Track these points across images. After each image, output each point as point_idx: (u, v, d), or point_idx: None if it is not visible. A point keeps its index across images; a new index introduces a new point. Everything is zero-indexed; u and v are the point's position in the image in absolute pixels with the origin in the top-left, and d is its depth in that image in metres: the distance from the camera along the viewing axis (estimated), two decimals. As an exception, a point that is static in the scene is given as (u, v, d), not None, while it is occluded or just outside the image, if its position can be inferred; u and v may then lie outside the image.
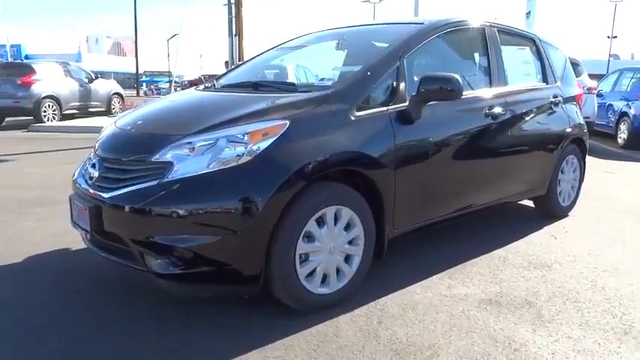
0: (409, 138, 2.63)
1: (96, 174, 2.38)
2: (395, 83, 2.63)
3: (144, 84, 42.30)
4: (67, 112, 12.14)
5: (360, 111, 2.47)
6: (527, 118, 3.49)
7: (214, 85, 3.30)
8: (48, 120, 11.45)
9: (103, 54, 62.37)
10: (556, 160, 3.87)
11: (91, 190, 2.36)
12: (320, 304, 2.38)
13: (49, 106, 11.51)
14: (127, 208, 2.15)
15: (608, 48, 42.31)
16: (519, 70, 3.61)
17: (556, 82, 3.95)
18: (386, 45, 2.80)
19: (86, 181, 2.46)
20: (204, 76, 42.50)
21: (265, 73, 3.49)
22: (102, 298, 2.55)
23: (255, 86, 2.90)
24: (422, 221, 2.86)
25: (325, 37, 3.61)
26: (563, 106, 3.93)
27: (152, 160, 2.21)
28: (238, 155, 2.13)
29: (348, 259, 2.47)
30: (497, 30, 3.43)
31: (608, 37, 41.83)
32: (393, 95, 2.62)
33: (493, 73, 3.30)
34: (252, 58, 3.68)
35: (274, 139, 2.18)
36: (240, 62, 3.72)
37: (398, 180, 2.57)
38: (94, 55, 51.68)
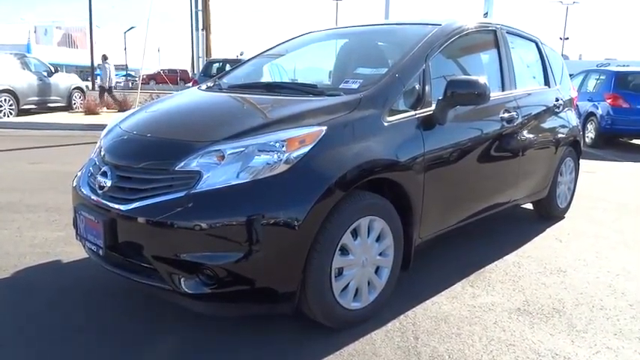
0: (436, 143, 2.54)
1: (108, 183, 2.15)
2: (421, 87, 2.54)
3: (98, 77, 40.67)
4: (24, 107, 11.43)
5: (391, 116, 2.36)
6: (535, 121, 3.49)
7: (219, 86, 3.10)
8: (4, 116, 10.74)
9: (53, 45, 59.43)
10: (557, 163, 3.90)
11: (103, 201, 2.13)
12: (353, 320, 2.25)
13: (5, 100, 10.79)
14: (150, 222, 1.95)
15: (560, 49, 44.01)
16: (525, 72, 3.59)
17: (556, 85, 3.97)
18: (406, 46, 2.69)
19: (94, 191, 2.23)
20: (163, 70, 41.27)
21: (272, 74, 3.31)
22: (119, 318, 2.33)
23: (270, 87, 2.73)
24: (445, 227, 2.79)
25: (332, 36, 3.47)
26: (564, 108, 3.95)
27: (176, 169, 2.02)
28: (274, 164, 1.97)
29: (377, 270, 2.36)
30: (507, 32, 3.40)
31: (561, 38, 43.55)
32: (420, 99, 2.52)
33: (505, 75, 3.26)
34: (255, 56, 3.49)
35: (311, 146, 2.03)
36: (243, 61, 3.51)
37: (426, 186, 2.48)
38: (43, 47, 49.08)
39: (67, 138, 8.84)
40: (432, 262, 3.07)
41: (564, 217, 4.25)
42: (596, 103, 9.54)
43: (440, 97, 2.57)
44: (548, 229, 3.92)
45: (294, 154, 1.99)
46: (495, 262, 3.17)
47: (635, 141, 10.08)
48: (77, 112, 12.58)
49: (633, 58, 29.97)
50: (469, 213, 2.99)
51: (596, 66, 15.22)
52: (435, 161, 2.53)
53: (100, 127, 10.20)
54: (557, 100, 3.84)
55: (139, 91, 12.05)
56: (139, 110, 2.80)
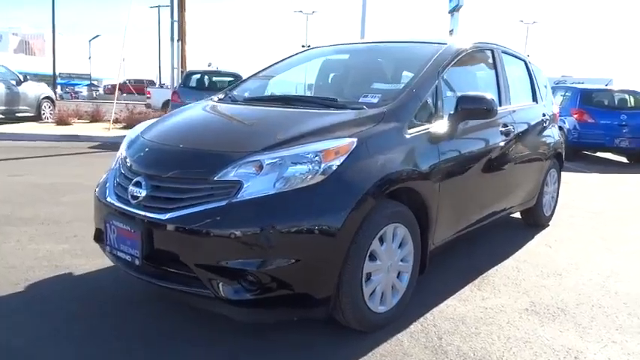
0: (449, 154, 2.70)
1: (142, 193, 2.19)
2: (434, 101, 2.70)
3: (59, 86, 39.41)
4: (-9, 117, 11.05)
5: (411, 129, 2.50)
6: (527, 135, 3.71)
7: (232, 98, 3.17)
8: (-29, 126, 10.35)
9: (9, 52, 57.35)
10: (544, 174, 4.14)
11: (139, 211, 2.17)
12: (380, 324, 2.36)
13: (-30, 110, 10.42)
14: (193, 230, 2.01)
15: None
16: (516, 89, 3.82)
17: (543, 101, 4.23)
18: (418, 63, 2.84)
19: (126, 201, 2.26)
20: (129, 80, 40.40)
21: (282, 87, 3.41)
22: (146, 327, 2.35)
23: (289, 100, 2.83)
24: (454, 234, 2.94)
25: (338, 52, 3.60)
26: (549, 123, 4.22)
27: (215, 179, 2.09)
28: (312, 174, 2.07)
29: (399, 275, 2.48)
30: (502, 51, 3.62)
31: (519, 55, 45.27)
32: (434, 113, 2.68)
33: (501, 91, 3.47)
34: (261, 70, 3.58)
35: (345, 157, 2.14)
36: (250, 75, 3.60)
37: (441, 195, 2.63)
38: (-2, 53, 47.31)
39: (42, 149, 8.61)
40: (434, 269, 3.20)
41: (549, 225, 4.50)
42: (563, 118, 10.04)
43: (451, 112, 2.75)
44: (536, 236, 4.15)
45: (330, 165, 2.09)
46: (495, 267, 3.35)
47: (599, 153, 10.64)
48: (47, 122, 12.25)
49: (587, 76, 31.53)
50: (474, 219, 3.16)
51: (554, 83, 15.99)
52: (448, 171, 2.68)
53: (74, 137, 10.05)
54: (544, 115, 4.10)
55: (115, 101, 11.86)
56: (158, 122, 2.84)
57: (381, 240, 2.29)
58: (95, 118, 13.43)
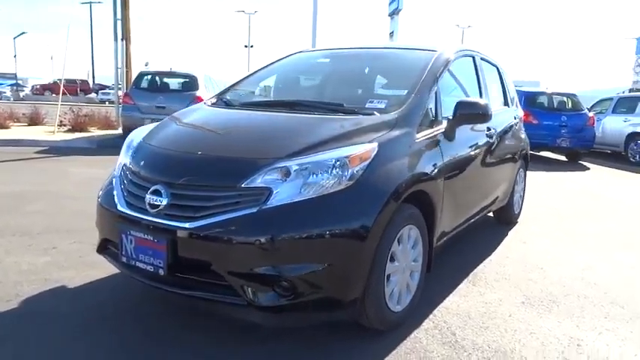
0: (450, 156, 2.82)
1: (163, 201, 2.14)
2: (435, 106, 2.81)
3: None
4: None
5: (418, 133, 2.59)
6: (504, 137, 3.93)
7: (226, 103, 3.14)
8: None
9: None
10: (515, 173, 4.40)
11: (161, 220, 2.12)
12: (397, 322, 2.44)
13: None
14: (226, 238, 1.99)
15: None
16: (493, 93, 4.04)
17: (513, 105, 4.49)
18: (416, 69, 2.95)
19: (143, 210, 2.20)
20: (60, 80, 38.14)
21: (276, 91, 3.41)
22: (156, 339, 2.29)
23: (293, 105, 2.84)
24: (448, 233, 3.06)
25: (328, 56, 3.64)
26: (519, 126, 4.48)
27: (242, 185, 2.08)
28: (340, 180, 2.10)
29: (410, 275, 2.57)
30: (480, 57, 3.82)
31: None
32: (435, 118, 2.79)
33: (483, 95, 3.66)
34: (251, 74, 3.56)
35: (368, 162, 2.20)
36: (241, 78, 3.57)
37: (445, 196, 2.75)
38: None
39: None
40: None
41: (517, 222, 4.77)
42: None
43: (449, 116, 2.88)
44: (510, 233, 4.40)
45: (356, 170, 2.14)
46: (483, 264, 3.52)
47: (542, 153, 11.32)
48: (-20, 126, 11.40)
49: (516, 79, 33.40)
50: (465, 218, 3.31)
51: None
52: (449, 172, 2.80)
53: (17, 142, 9.43)
54: (515, 118, 4.36)
55: (60, 103, 11.25)
56: (159, 128, 2.76)
57: (399, 241, 2.37)
58: (34, 121, 12.68)
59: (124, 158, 2.61)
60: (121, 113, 10.32)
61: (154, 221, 2.14)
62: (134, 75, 14.80)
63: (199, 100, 9.89)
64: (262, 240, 1.98)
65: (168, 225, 2.09)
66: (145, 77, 10.38)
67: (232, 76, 11.82)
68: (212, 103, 3.21)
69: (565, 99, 11.18)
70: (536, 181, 7.83)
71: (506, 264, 3.55)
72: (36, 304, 2.61)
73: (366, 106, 2.70)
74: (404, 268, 2.44)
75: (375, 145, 2.27)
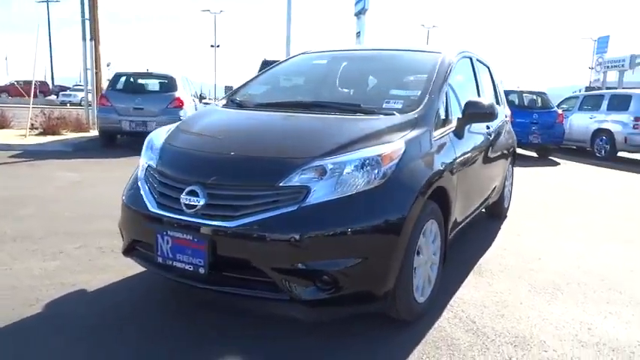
0: (460, 153, 2.96)
1: (200, 201, 2.18)
2: (446, 106, 2.94)
3: None
4: None
5: (435, 131, 2.71)
6: (499, 134, 4.11)
7: (240, 104, 3.19)
8: None
9: None
10: (506, 168, 4.60)
11: (199, 220, 2.16)
12: (420, 313, 2.55)
13: None
14: (269, 235, 2.06)
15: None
16: (486, 92, 4.21)
17: (502, 104, 4.69)
18: (426, 71, 3.08)
19: (178, 210, 2.23)
20: (18, 82, 36.68)
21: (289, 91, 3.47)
22: (196, 338, 2.33)
23: (308, 106, 2.92)
24: (457, 227, 3.20)
25: (337, 58, 3.72)
26: (508, 124, 4.68)
27: (280, 184, 2.14)
28: (373, 177, 2.19)
29: (431, 267, 2.68)
30: (476, 59, 3.98)
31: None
32: (446, 117, 2.92)
33: (480, 94, 3.82)
34: (260, 74, 3.61)
35: (397, 160, 2.29)
36: (250, 79, 3.61)
37: (458, 191, 2.88)
38: None
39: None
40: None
41: (507, 216, 4.98)
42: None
43: (458, 115, 3.01)
44: (502, 227, 4.60)
45: (388, 168, 2.24)
46: (484, 256, 3.69)
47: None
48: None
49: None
50: (471, 211, 3.47)
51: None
52: (460, 168, 2.94)
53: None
54: (505, 116, 4.55)
55: (31, 106, 10.91)
56: (181, 129, 2.78)
57: (423, 235, 2.48)
58: (1, 124, 12.23)
59: (147, 160, 2.63)
60: (97, 115, 10.09)
61: (192, 221, 2.18)
62: (104, 76, 14.58)
63: (179, 101, 9.81)
64: (304, 236, 2.05)
65: (209, 224, 2.14)
66: (121, 78, 10.19)
67: (198, 76, 11.72)
68: (223, 105, 3.25)
69: (535, 97, 11.63)
70: (515, 176, 8.13)
71: (506, 256, 3.72)
72: (59, 308, 2.60)
73: (384, 106, 2.80)
74: (426, 260, 2.55)
75: (402, 144, 2.37)
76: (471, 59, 3.84)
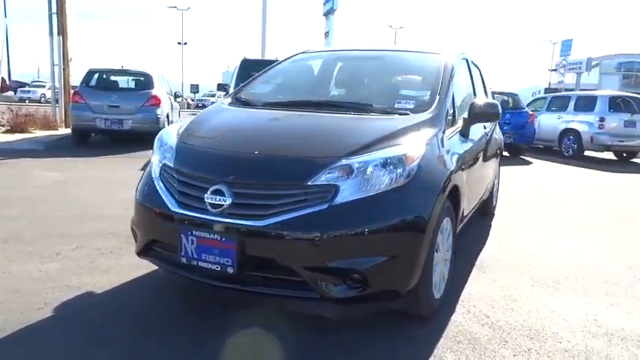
0: (466, 152, 3.04)
1: (227, 201, 2.16)
2: (452, 106, 3.01)
3: None
4: None
5: (446, 131, 2.77)
6: (492, 134, 4.23)
7: (247, 102, 3.17)
8: None
9: None
10: (496, 168, 4.73)
11: (227, 220, 2.14)
12: (437, 309, 2.60)
13: None
14: (299, 234, 2.06)
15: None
16: (479, 92, 4.32)
17: (492, 104, 4.81)
18: (432, 72, 3.14)
19: (203, 210, 2.20)
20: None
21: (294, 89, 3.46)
22: (217, 334, 2.30)
23: (320, 105, 2.93)
24: (462, 222, 3.27)
25: (343, 58, 3.74)
26: (497, 124, 4.81)
27: (308, 183, 2.15)
28: (399, 176, 2.22)
29: (444, 264, 2.74)
30: (470, 60, 4.08)
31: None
32: (453, 117, 2.99)
33: (476, 94, 3.92)
34: (264, 72, 3.58)
35: (420, 160, 2.33)
36: (253, 77, 3.59)
37: (466, 188, 2.95)
38: None
39: None
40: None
41: (495, 214, 5.13)
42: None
43: (464, 115, 3.09)
44: (492, 224, 4.73)
45: (413, 167, 2.28)
46: (482, 253, 3.79)
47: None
48: None
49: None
50: (472, 208, 3.55)
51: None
52: (467, 167, 3.01)
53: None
54: (496, 116, 4.68)
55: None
56: (195, 127, 2.75)
57: (441, 232, 2.53)
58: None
59: (161, 159, 2.58)
60: (70, 113, 9.76)
61: (219, 221, 2.15)
62: (72, 72, 14.12)
63: (156, 99, 9.61)
64: (336, 235, 2.07)
65: (237, 224, 2.12)
66: (95, 75, 9.89)
67: (165, 74, 11.45)
68: (229, 103, 3.22)
69: (507, 98, 11.97)
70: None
71: (502, 252, 3.84)
72: (69, 311, 2.52)
73: (395, 106, 2.84)
74: (442, 257, 2.61)
75: (423, 144, 2.41)
76: (467, 60, 3.93)
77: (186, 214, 2.24)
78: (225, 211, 2.16)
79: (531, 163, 10.58)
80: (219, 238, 2.14)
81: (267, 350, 2.22)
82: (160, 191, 2.41)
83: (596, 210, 5.74)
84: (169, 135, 2.73)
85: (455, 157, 2.78)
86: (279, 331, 2.35)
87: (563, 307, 2.82)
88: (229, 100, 3.30)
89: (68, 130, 11.91)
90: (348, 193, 2.14)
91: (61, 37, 13.59)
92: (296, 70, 3.63)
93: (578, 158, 11.36)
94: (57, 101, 13.34)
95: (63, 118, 13.23)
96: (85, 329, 2.34)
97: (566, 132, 11.94)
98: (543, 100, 13.52)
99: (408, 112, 2.73)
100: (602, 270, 3.51)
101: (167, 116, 10.22)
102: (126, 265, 3.17)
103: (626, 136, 11.23)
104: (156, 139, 2.79)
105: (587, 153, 11.84)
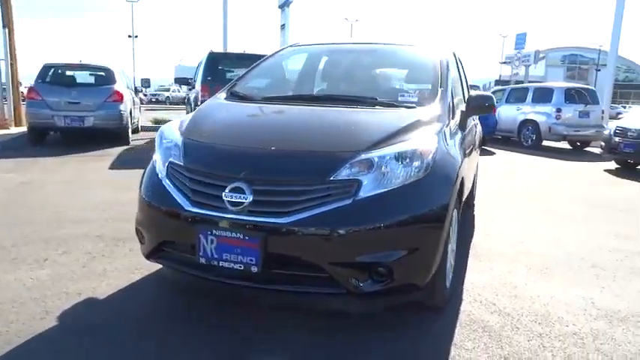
0: (465, 144, 3.10)
1: (248, 198, 2.11)
2: (452, 99, 3.06)
3: None
4: None
5: (450, 124, 2.82)
6: (476, 125, 4.34)
7: (245, 97, 3.11)
8: None
9: None
10: (477, 158, 4.85)
11: (249, 218, 2.10)
12: (448, 299, 2.65)
13: None
14: (325, 230, 2.04)
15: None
16: (464, 84, 4.41)
17: (471, 97, 4.93)
18: (430, 65, 3.18)
19: (222, 209, 2.14)
20: None
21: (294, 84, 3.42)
22: (228, 331, 2.26)
23: (322, 99, 2.91)
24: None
25: (337, 51, 3.72)
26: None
27: (331, 179, 2.13)
28: (418, 169, 2.24)
29: (452, 254, 2.79)
30: (457, 55, 4.17)
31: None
32: (453, 110, 3.04)
33: (464, 87, 4.01)
34: (255, 66, 3.51)
35: (434, 152, 2.36)
36: (245, 72, 3.52)
37: (466, 179, 3.02)
38: None
39: None
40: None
41: (474, 204, 5.27)
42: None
43: (462, 108, 3.15)
44: (476, 215, 4.85)
45: (430, 160, 2.30)
46: (473, 242, 3.89)
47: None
48: None
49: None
50: (465, 197, 3.63)
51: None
52: (465, 156, 3.07)
53: None
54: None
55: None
56: (200, 123, 2.67)
57: (451, 224, 2.57)
58: None
59: (166, 157, 2.49)
60: (27, 110, 9.25)
61: (241, 219, 2.11)
62: (20, 67, 13.38)
63: (118, 94, 9.26)
64: (362, 229, 2.07)
65: (261, 221, 2.08)
66: (51, 70, 9.40)
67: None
68: (225, 98, 3.14)
69: (469, 91, 12.28)
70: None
71: (491, 241, 3.95)
72: (73, 319, 2.41)
73: (399, 99, 2.86)
74: (451, 247, 2.66)
75: (436, 136, 2.44)
76: (454, 54, 4.00)
77: (203, 214, 2.18)
78: (246, 208, 2.12)
79: (495, 153, 10.92)
80: (241, 237, 2.10)
81: (268, 351, 2.20)
82: (170, 191, 2.33)
83: (567, 197, 6.00)
84: (172, 131, 2.64)
85: (460, 149, 2.83)
86: (283, 330, 2.33)
87: (561, 292, 2.94)
88: (224, 94, 3.22)
89: (21, 129, 11.35)
90: (370, 187, 2.15)
91: (6, 29, 12.91)
92: (290, 64, 3.58)
93: (537, 148, 11.83)
94: (5, 98, 12.65)
95: (13, 116, 12.58)
96: (96, 338, 2.24)
97: (525, 123, 12.41)
98: (502, 91, 13.97)
99: (413, 105, 2.76)
100: (587, 255, 3.68)
101: (130, 112, 9.88)
102: (122, 268, 3.05)
103: (581, 126, 11.80)
104: (156, 137, 2.69)
105: (545, 143, 12.34)
